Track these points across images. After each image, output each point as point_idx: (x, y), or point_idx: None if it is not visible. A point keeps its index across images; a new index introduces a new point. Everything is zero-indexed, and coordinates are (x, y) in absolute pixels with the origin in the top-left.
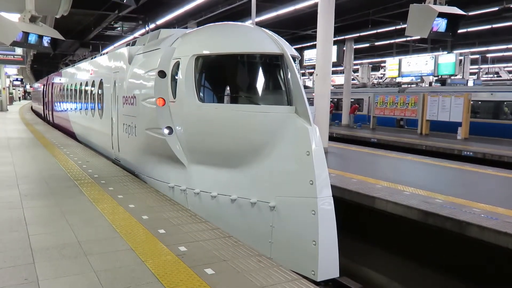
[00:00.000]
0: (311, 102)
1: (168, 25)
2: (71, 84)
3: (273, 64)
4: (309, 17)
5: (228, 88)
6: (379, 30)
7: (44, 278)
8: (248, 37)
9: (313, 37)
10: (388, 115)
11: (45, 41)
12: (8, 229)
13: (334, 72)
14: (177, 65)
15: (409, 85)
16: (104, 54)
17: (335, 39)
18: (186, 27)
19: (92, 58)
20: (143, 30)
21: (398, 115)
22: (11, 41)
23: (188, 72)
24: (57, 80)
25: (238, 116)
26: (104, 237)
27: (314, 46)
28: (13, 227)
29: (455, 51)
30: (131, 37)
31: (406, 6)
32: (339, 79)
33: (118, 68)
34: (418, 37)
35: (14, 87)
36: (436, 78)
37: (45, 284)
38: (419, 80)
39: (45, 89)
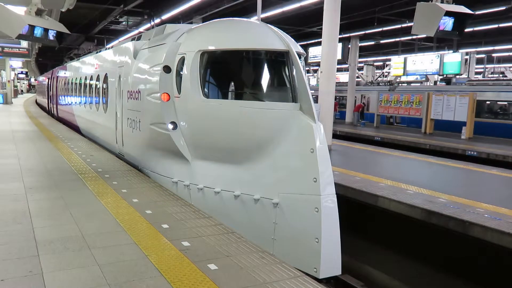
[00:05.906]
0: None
1: (174, 20)
2: (76, 78)
3: (278, 60)
4: (314, 14)
5: (233, 84)
6: (384, 28)
7: (48, 271)
8: (254, 33)
9: (319, 34)
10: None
11: (51, 35)
12: (12, 221)
13: (338, 70)
14: (182, 61)
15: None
16: (109, 48)
17: (341, 36)
18: (191, 23)
19: (97, 52)
20: (148, 25)
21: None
22: (17, 34)
23: (193, 67)
24: (61, 73)
25: (243, 112)
26: (107, 230)
27: (319, 43)
28: (18, 219)
29: (461, 50)
30: (136, 31)
31: (412, 4)
32: (344, 77)
33: (123, 63)
34: (425, 35)
35: (18, 80)
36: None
37: (49, 277)
38: (424, 78)
39: (49, 83)
